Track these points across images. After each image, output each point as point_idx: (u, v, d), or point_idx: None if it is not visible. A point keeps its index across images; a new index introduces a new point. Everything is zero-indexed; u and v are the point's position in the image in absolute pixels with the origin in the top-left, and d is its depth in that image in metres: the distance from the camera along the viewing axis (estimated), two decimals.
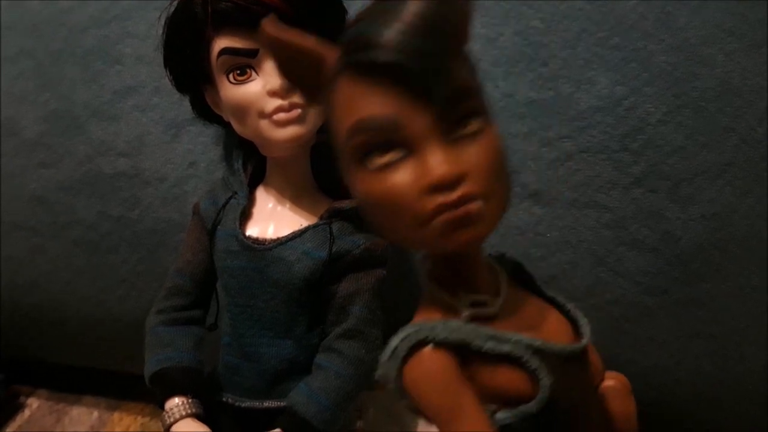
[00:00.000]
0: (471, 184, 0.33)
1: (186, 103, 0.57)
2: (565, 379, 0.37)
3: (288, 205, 0.55)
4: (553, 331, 0.40)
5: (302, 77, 0.38)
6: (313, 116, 0.51)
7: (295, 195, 0.55)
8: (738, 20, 0.52)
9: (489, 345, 0.36)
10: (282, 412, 0.51)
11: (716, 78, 0.53)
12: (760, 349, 0.57)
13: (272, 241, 0.53)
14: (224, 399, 0.55)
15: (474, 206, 0.33)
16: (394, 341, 0.36)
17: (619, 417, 0.43)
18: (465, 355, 0.36)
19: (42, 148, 0.71)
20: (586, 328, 0.41)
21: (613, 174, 0.55)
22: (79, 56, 0.68)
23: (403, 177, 0.33)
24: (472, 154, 0.34)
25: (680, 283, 0.56)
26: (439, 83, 0.33)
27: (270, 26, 0.37)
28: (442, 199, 0.33)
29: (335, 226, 0.53)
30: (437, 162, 0.33)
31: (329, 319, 0.53)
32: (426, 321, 0.36)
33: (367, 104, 0.33)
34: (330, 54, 0.36)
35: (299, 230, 0.53)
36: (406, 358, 0.35)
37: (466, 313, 0.37)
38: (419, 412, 0.39)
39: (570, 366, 0.38)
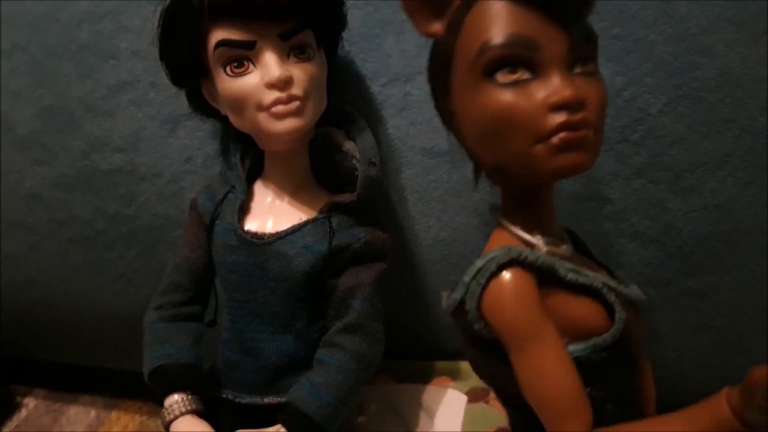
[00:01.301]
0: (589, 111, 0.36)
1: (182, 97, 0.57)
2: (631, 321, 0.39)
3: (287, 199, 0.54)
4: None
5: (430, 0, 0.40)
6: (312, 108, 0.50)
7: (294, 189, 0.55)
8: (739, 9, 0.52)
9: (571, 275, 0.38)
10: (283, 408, 0.50)
11: (717, 68, 0.52)
12: (765, 340, 0.56)
13: (271, 235, 0.52)
14: (224, 395, 0.55)
15: (589, 132, 0.36)
16: (479, 262, 0.37)
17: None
18: (545, 284, 0.38)
19: (37, 144, 0.70)
20: (638, 290, 0.43)
21: (614, 165, 0.55)
22: (73, 51, 0.67)
23: (530, 93, 0.36)
24: (590, 89, 0.37)
25: (683, 275, 0.56)
26: (580, 17, 0.37)
27: None
28: (565, 117, 0.35)
29: (335, 220, 0.52)
30: (565, 84, 0.36)
31: (330, 313, 0.53)
32: (512, 246, 0.38)
33: (509, 22, 0.36)
34: None
35: (299, 224, 0.52)
36: (492, 277, 0.37)
37: (545, 248, 0.39)
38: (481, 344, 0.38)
39: (634, 312, 0.41)
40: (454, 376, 0.62)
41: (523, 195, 0.41)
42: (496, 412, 0.57)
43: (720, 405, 0.33)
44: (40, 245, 0.73)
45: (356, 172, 0.53)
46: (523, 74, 0.36)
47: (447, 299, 0.39)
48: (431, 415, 0.59)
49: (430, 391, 0.61)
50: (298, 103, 0.49)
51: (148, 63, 0.64)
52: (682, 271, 0.56)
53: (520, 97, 0.36)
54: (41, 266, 0.74)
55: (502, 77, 0.36)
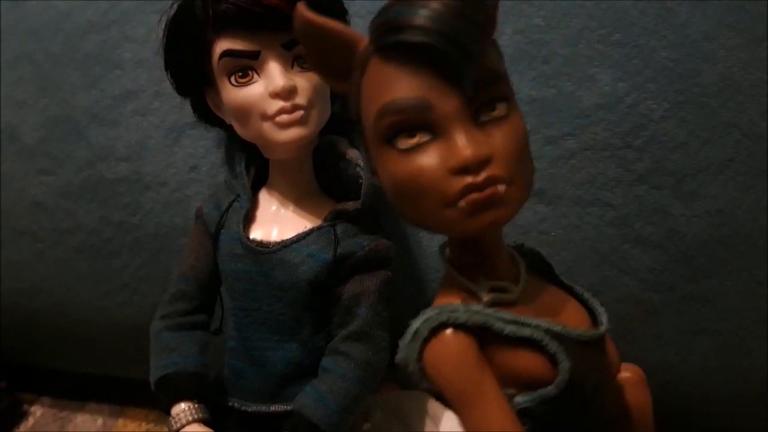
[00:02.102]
0: (496, 167, 0.34)
1: (187, 106, 0.57)
2: (583, 364, 0.38)
3: (291, 208, 0.55)
4: (571, 318, 0.41)
5: (331, 63, 0.39)
6: (316, 117, 0.51)
7: (298, 197, 0.55)
8: (739, 15, 0.52)
9: (509, 329, 0.37)
10: (289, 416, 0.51)
11: (718, 73, 0.53)
12: (766, 344, 0.56)
13: (276, 243, 0.52)
14: (230, 403, 0.55)
15: (499, 189, 0.34)
16: (416, 323, 0.37)
17: (635, 408, 0.43)
18: (485, 338, 0.37)
19: (42, 153, 0.70)
20: (603, 317, 0.42)
21: (617, 171, 0.55)
22: (78, 61, 0.68)
23: (431, 158, 0.35)
24: (498, 138, 0.35)
25: (685, 279, 0.56)
26: (468, 67, 0.34)
27: (303, 12, 0.38)
28: (469, 180, 0.34)
29: (339, 228, 0.52)
30: (464, 144, 0.34)
31: (335, 321, 0.53)
32: (447, 304, 0.37)
33: (397, 86, 0.35)
34: (361, 39, 0.37)
35: (303, 232, 0.52)
36: (426, 341, 0.36)
37: (486, 298, 0.38)
38: (436, 396, 0.39)
39: (588, 352, 0.39)
40: None
41: (463, 241, 0.40)
42: None
43: None
44: (45, 254, 0.74)
45: (360, 180, 0.53)
46: (422, 137, 0.35)
47: (397, 357, 0.39)
48: (436, 422, 0.59)
49: (435, 398, 0.61)
50: (302, 112, 0.49)
51: (153, 72, 0.64)
52: (684, 276, 0.56)
53: (423, 162, 0.35)
54: (46, 274, 0.74)
55: (401, 143, 0.35)
